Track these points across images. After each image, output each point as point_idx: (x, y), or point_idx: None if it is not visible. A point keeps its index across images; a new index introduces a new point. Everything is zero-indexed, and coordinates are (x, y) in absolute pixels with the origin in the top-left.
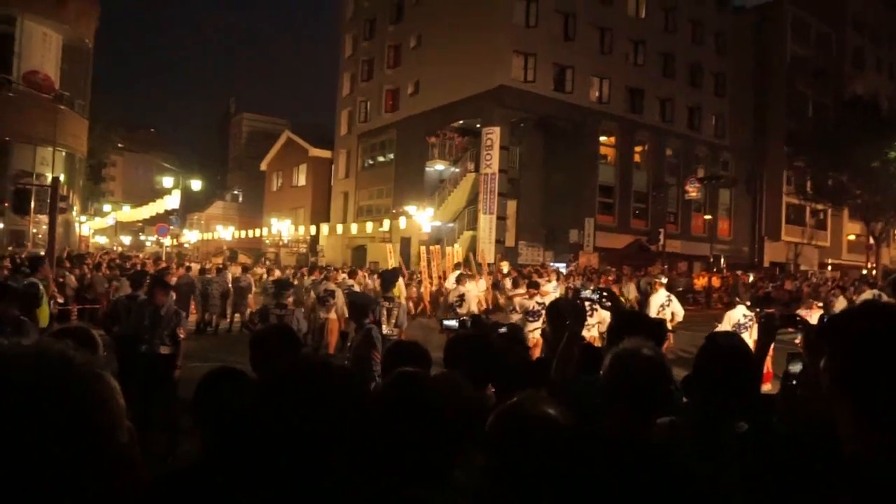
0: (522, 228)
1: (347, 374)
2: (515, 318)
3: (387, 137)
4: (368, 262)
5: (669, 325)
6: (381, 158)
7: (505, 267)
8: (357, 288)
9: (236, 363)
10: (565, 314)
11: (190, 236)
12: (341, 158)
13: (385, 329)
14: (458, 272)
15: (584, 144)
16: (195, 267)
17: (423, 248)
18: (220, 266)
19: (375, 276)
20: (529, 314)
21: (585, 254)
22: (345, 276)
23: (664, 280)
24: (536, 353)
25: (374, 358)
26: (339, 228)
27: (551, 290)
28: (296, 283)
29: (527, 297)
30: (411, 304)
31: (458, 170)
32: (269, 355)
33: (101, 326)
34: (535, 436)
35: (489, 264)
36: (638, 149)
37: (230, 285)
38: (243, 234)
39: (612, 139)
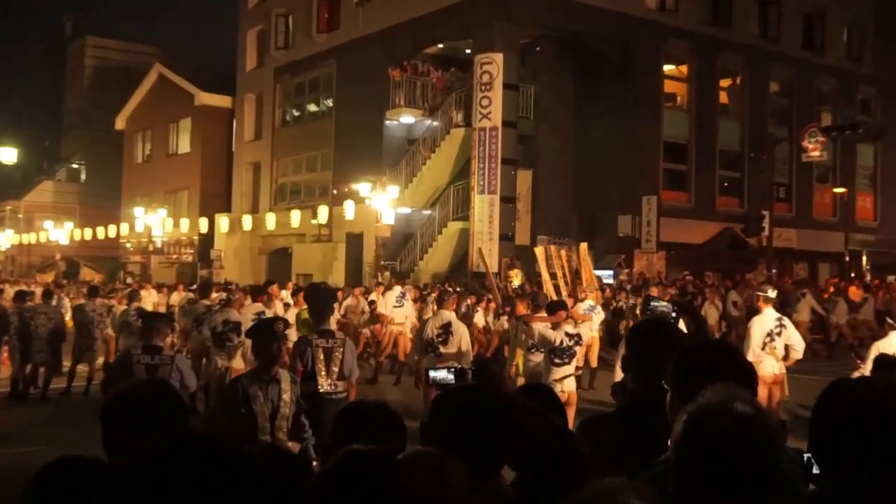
0: (542, 215)
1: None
2: (536, 360)
3: (322, 73)
4: (295, 276)
5: (782, 366)
6: (312, 108)
7: (515, 277)
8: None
9: (82, 447)
10: (662, 335)
11: None
12: (248, 109)
13: (323, 383)
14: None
15: (637, 79)
16: (8, 291)
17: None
18: (50, 287)
19: (382, 295)
20: (555, 353)
21: (644, 253)
22: (286, 299)
23: (772, 293)
24: (570, 414)
25: (305, 429)
26: (247, 222)
27: (587, 310)
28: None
29: (549, 324)
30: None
31: (437, 124)
32: (133, 432)
33: None
34: None
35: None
36: (725, 83)
37: (67, 318)
38: (89, 233)
39: (684, 69)
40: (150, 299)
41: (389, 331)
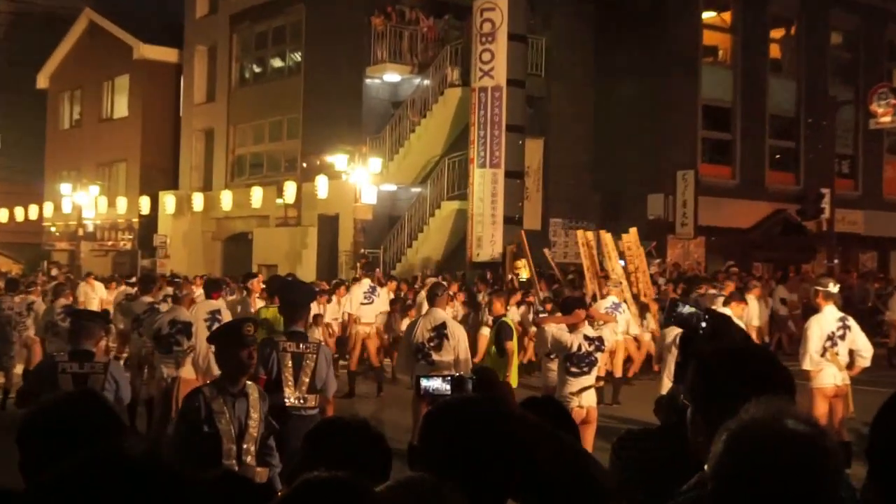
0: (556, 194)
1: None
2: (553, 371)
3: (289, 21)
4: (258, 266)
5: (846, 376)
6: (276, 63)
7: (522, 270)
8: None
9: None
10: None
11: None
12: (198, 64)
13: (290, 395)
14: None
15: (670, 29)
16: None
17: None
18: None
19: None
20: (573, 360)
21: (679, 240)
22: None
23: (833, 288)
24: (589, 434)
25: (272, 453)
26: (198, 201)
27: (610, 309)
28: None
29: (565, 326)
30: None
31: (428, 83)
32: (56, 455)
33: None
34: None
35: (493, 265)
36: (777, 34)
37: None
38: (4, 215)
39: (727, 16)
40: (94, 296)
41: (356, 332)
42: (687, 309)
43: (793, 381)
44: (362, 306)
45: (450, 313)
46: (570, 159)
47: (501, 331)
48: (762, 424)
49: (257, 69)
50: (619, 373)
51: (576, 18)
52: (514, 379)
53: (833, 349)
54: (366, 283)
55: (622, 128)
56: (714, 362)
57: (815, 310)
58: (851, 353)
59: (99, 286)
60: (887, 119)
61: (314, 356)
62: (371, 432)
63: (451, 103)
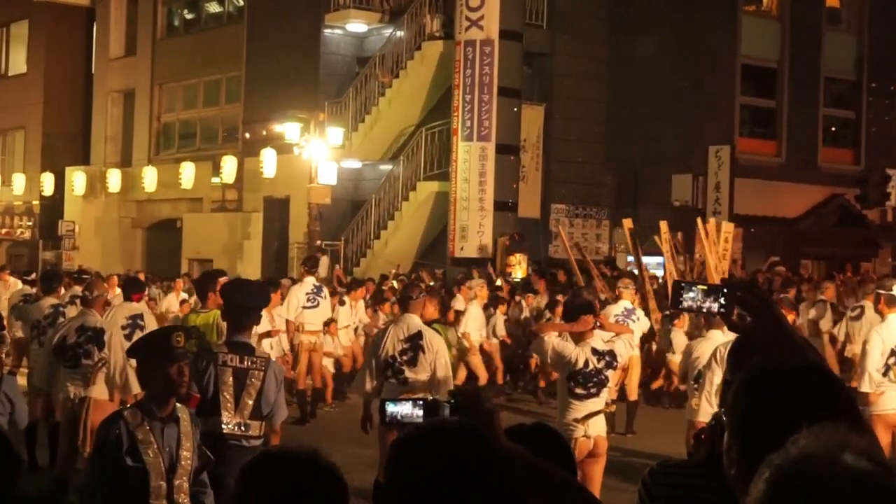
0: (560, 174)
1: None
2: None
3: None
4: (188, 262)
5: None
6: (213, 8)
7: (517, 266)
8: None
9: None
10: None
11: None
12: (116, 9)
13: (229, 421)
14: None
15: None
16: None
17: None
18: None
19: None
20: (577, 379)
21: (712, 230)
22: (167, 293)
23: None
24: (596, 470)
25: (206, 490)
26: (114, 180)
27: (621, 316)
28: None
29: (566, 334)
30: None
31: (402, 34)
32: None
33: None
34: None
35: (485, 263)
36: None
37: None
38: None
39: None
40: (4, 295)
41: (299, 342)
42: (697, 289)
43: (857, 409)
44: (305, 310)
45: None
46: (577, 131)
47: None
48: (814, 459)
49: (189, 15)
50: (633, 395)
51: None
52: None
53: None
54: (309, 282)
55: (642, 93)
56: (758, 377)
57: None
58: None
59: (12, 281)
60: None
61: (261, 374)
62: (322, 465)
63: (429, 60)
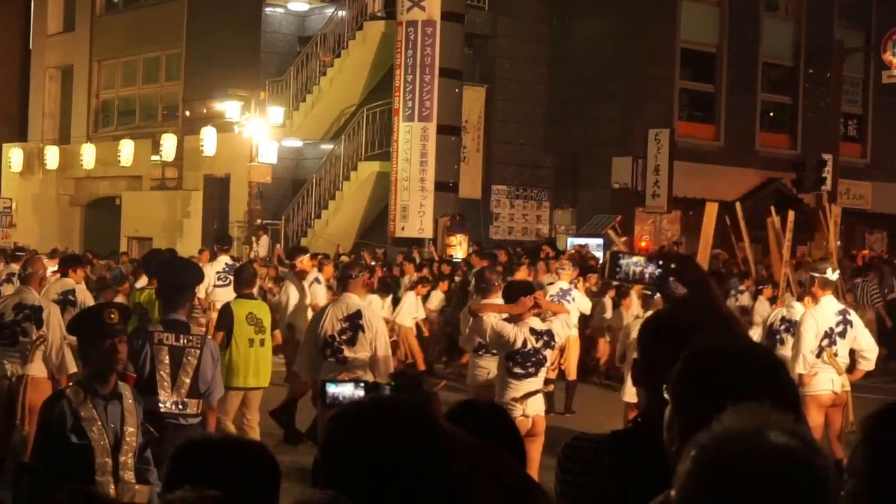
0: (501, 155)
1: None
2: (484, 369)
3: None
4: (127, 240)
5: (845, 381)
6: None
7: (458, 247)
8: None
9: None
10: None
11: None
12: None
13: (166, 399)
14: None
15: None
16: None
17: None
18: None
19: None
20: (516, 358)
21: (651, 213)
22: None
23: (832, 275)
24: (535, 449)
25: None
26: (52, 157)
27: (557, 297)
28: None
29: (505, 314)
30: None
31: (344, 14)
32: None
33: None
34: None
35: (425, 244)
36: None
37: None
38: None
39: None
40: None
41: (208, 321)
42: (632, 262)
43: (795, 389)
44: (217, 289)
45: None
46: (518, 113)
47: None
48: (738, 437)
49: None
50: (572, 375)
51: None
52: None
53: (831, 349)
54: (222, 261)
55: (583, 75)
56: (701, 356)
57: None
58: (853, 353)
59: None
60: None
61: (197, 352)
62: (252, 446)
63: (371, 40)
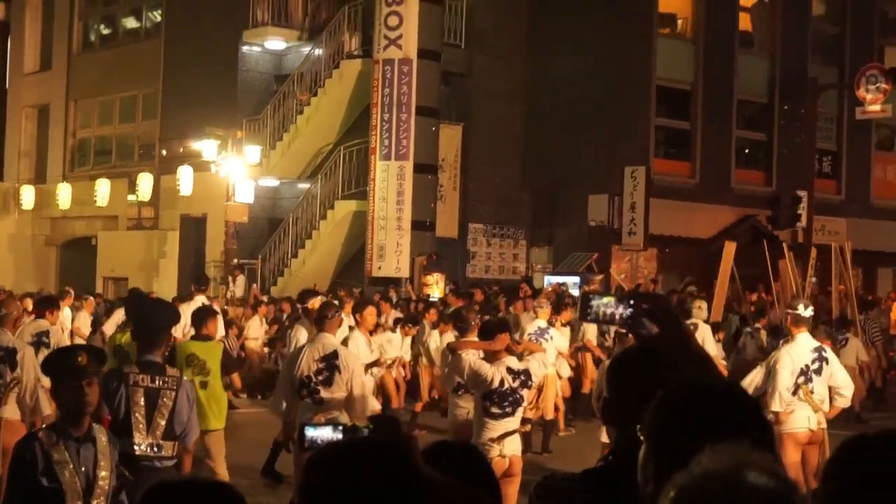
0: (478, 194)
1: None
2: (464, 409)
3: None
4: (101, 280)
5: (822, 419)
6: (130, 23)
7: (434, 286)
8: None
9: None
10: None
11: None
12: (30, 22)
13: (141, 441)
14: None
15: None
16: None
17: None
18: None
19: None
20: (493, 398)
21: (627, 251)
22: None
23: (806, 311)
24: (512, 489)
25: None
26: (28, 196)
27: (534, 335)
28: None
29: (481, 352)
30: None
31: (321, 53)
32: None
33: None
34: None
35: (401, 283)
36: (747, 2)
37: None
38: None
39: None
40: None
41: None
42: (605, 300)
43: (768, 427)
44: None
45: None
46: (495, 151)
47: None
48: (717, 478)
49: (106, 30)
50: (550, 414)
51: None
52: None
53: (807, 386)
54: (199, 300)
55: (560, 113)
56: (676, 395)
57: (786, 339)
58: (829, 390)
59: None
60: (877, 107)
61: (173, 393)
62: (222, 488)
63: (348, 79)
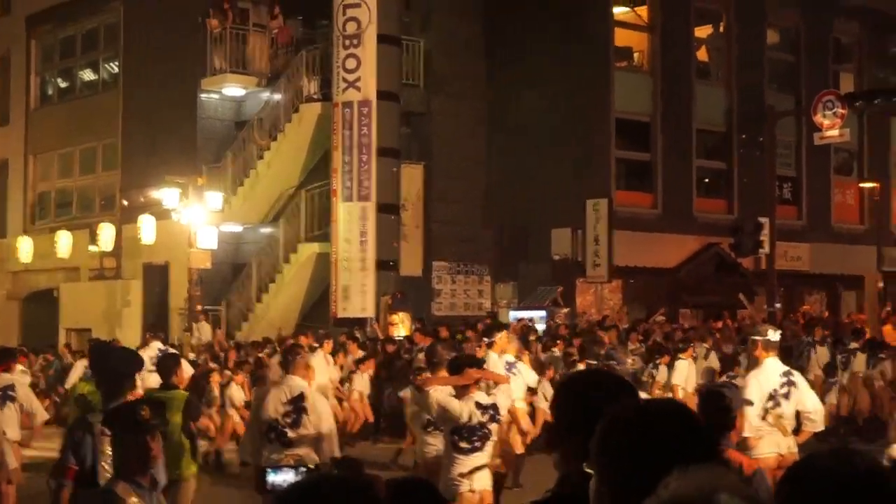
0: (441, 232)
1: None
2: (433, 446)
3: (103, 21)
4: (66, 332)
5: (792, 444)
6: (88, 76)
7: (401, 324)
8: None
9: None
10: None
11: None
12: None
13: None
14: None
15: (577, 27)
16: None
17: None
18: None
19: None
20: (462, 433)
21: (591, 283)
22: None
23: (774, 336)
24: None
25: None
26: None
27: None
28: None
29: (452, 389)
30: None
31: (280, 98)
32: None
33: None
34: None
35: (367, 322)
36: (703, 32)
37: None
38: None
39: (643, 12)
40: None
41: None
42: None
43: (716, 447)
44: (150, 373)
45: None
46: (456, 188)
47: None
48: (689, 502)
49: (63, 83)
50: (519, 448)
51: (461, 16)
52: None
53: (776, 410)
54: (154, 346)
55: (520, 150)
56: (619, 423)
57: (753, 364)
58: (798, 414)
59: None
60: (835, 133)
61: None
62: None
63: (308, 122)
